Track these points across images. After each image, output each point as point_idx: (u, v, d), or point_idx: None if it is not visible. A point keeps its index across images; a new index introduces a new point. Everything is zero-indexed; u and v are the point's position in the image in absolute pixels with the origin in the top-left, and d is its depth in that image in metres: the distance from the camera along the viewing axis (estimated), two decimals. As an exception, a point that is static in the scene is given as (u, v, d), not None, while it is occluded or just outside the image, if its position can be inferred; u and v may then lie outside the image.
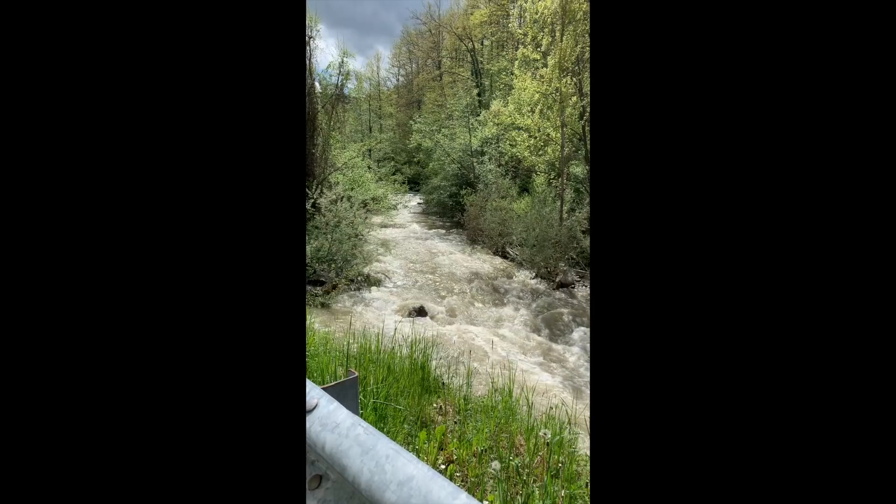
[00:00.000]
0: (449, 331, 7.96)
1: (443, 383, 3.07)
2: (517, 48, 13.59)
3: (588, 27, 11.24)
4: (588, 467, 2.13)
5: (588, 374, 6.84)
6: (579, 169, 11.94)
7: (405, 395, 2.64)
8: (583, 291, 10.44)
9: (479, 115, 18.52)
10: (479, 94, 22.11)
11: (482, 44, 26.90)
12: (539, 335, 8.41)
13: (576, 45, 10.75)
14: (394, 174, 19.46)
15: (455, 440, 2.29)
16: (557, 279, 10.60)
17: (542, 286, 10.63)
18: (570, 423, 2.47)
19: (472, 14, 26.60)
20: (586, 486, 1.88)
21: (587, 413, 2.40)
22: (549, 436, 1.99)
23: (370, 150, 21.87)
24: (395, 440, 2.29)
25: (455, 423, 2.50)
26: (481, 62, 25.79)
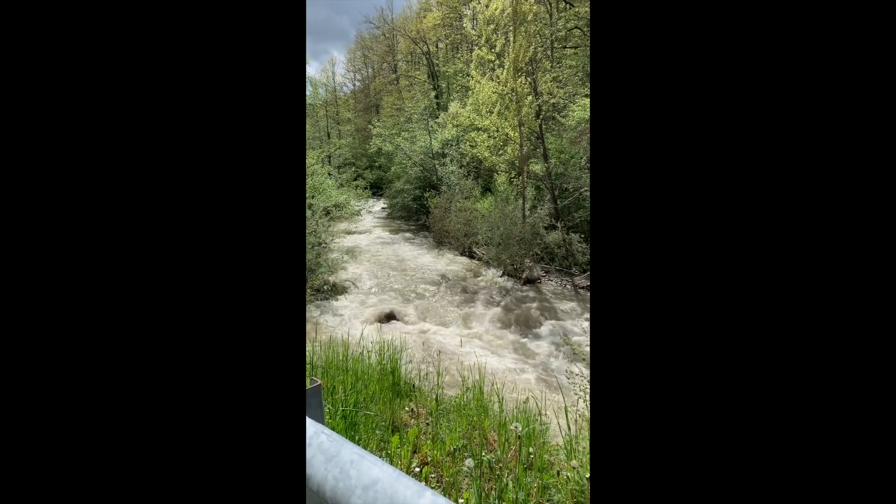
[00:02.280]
0: (420, 333, 7.93)
1: (413, 386, 3.05)
2: (472, 50, 13.74)
3: (538, 28, 11.50)
4: (560, 456, 2.17)
5: (557, 365, 6.97)
6: (538, 167, 12.18)
7: (376, 401, 2.60)
8: (548, 286, 10.66)
9: (437, 118, 18.59)
10: (436, 97, 22.19)
11: (437, 46, 27.03)
12: (509, 331, 8.52)
13: (528, 46, 10.97)
14: (355, 180, 19.22)
15: (429, 441, 2.28)
16: (524, 275, 10.77)
17: (509, 283, 10.77)
18: (540, 414, 2.51)
19: (425, 17, 26.68)
20: (558, 474, 1.92)
21: (558, 403, 2.44)
22: (521, 429, 2.01)
23: (329, 157, 21.51)
24: (367, 446, 2.26)
25: (427, 424, 2.49)
26: (437, 65, 25.90)
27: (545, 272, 11.06)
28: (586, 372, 4.98)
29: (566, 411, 2.04)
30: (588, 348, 6.72)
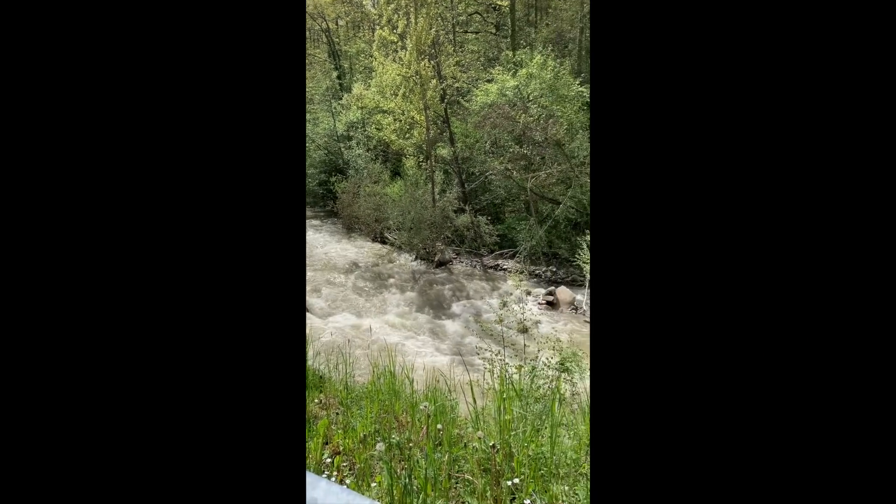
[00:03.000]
0: (330, 324, 7.73)
1: (321, 377, 2.98)
2: (373, 29, 13.36)
3: (440, 10, 11.50)
4: (468, 429, 2.28)
5: (469, 342, 7.27)
6: (445, 151, 12.34)
7: (282, 397, 2.50)
8: (459, 267, 10.98)
9: (341, 99, 17.86)
10: (338, 77, 21.27)
11: (337, 24, 25.78)
12: (423, 313, 8.66)
13: (430, 29, 10.94)
14: (254, 165, 17.78)
15: (340, 431, 2.26)
16: (436, 258, 10.96)
17: (422, 267, 10.89)
18: (449, 390, 2.61)
19: (323, -9, 25.23)
20: (465, 446, 2.02)
21: (466, 378, 2.56)
22: (430, 408, 2.08)
23: (223, 140, 19.57)
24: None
25: (338, 414, 2.46)
26: (337, 43, 24.75)
27: (456, 254, 11.35)
28: (495, 347, 5.27)
29: (471, 386, 2.15)
30: (497, 325, 7.09)
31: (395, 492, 1.73)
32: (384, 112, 12.73)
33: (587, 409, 2.33)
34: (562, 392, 3.09)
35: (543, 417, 2.23)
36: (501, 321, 6.74)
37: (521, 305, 7.28)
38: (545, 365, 3.69)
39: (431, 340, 7.42)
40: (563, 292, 9.20)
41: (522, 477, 1.78)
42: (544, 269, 10.33)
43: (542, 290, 9.41)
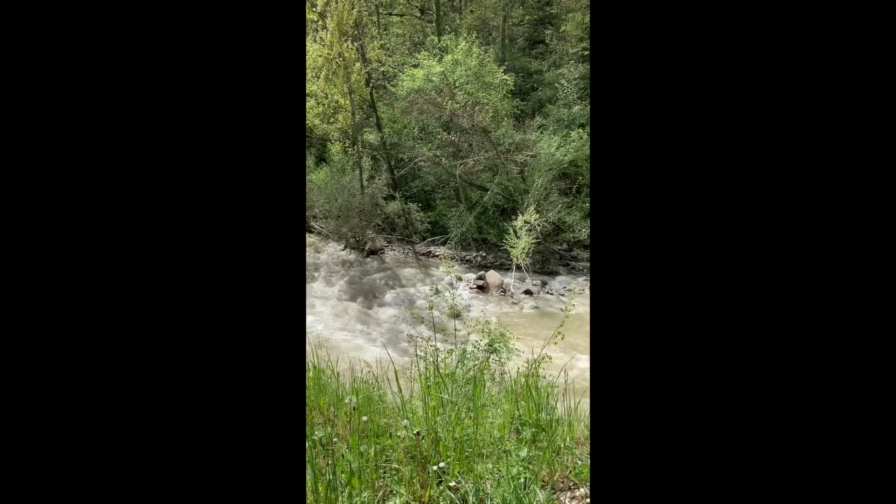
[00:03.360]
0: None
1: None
2: (291, 6, 12.57)
3: (362, -10, 11.07)
4: (399, 419, 2.28)
5: (401, 330, 7.26)
6: (373, 136, 12.06)
7: (195, 403, 2.32)
8: (391, 255, 10.88)
9: (259, 80, 16.72)
10: (256, 56, 19.85)
11: None
12: (355, 303, 8.49)
13: (352, 9, 10.52)
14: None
15: (260, 433, 2.15)
16: (367, 247, 10.76)
17: (352, 256, 10.65)
18: (377, 380, 2.58)
19: (233, -39, 23.25)
20: (390, 436, 2.01)
21: (401, 366, 2.55)
22: (354, 401, 2.04)
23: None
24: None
25: (258, 415, 2.34)
26: (254, 19, 23.02)
27: (387, 242, 11.22)
28: (426, 333, 5.31)
29: (396, 375, 2.14)
30: (429, 312, 7.15)
31: (319, 488, 1.68)
32: (306, 95, 12.12)
33: (510, 389, 2.42)
34: (491, 372, 3.19)
35: (471, 399, 2.29)
36: (432, 308, 6.81)
37: (452, 291, 7.39)
38: (474, 347, 3.78)
39: (363, 331, 7.31)
40: (493, 276, 9.47)
41: (448, 460, 1.81)
42: (474, 254, 10.55)
43: (473, 275, 9.62)
